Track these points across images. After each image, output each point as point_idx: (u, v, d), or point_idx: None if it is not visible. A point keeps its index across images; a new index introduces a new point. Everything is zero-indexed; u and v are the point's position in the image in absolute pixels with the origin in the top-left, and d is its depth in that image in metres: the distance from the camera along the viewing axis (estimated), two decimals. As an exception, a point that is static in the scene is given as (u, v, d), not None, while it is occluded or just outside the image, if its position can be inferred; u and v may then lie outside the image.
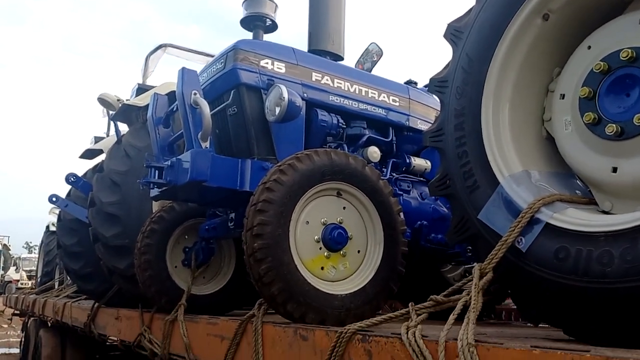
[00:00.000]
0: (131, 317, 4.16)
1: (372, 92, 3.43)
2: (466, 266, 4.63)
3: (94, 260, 4.89)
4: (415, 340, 1.59)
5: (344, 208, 2.58)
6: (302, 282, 2.34)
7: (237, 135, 3.09)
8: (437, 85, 2.15)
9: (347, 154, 2.60)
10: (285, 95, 2.77)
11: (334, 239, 2.47)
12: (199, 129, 2.79)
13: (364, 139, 3.36)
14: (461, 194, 1.97)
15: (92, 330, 5.09)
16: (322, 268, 2.47)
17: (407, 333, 1.65)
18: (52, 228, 11.35)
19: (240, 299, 3.80)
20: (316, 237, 2.47)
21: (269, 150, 3.03)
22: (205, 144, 2.78)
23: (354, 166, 2.57)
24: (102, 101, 4.52)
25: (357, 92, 3.36)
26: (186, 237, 3.68)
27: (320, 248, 2.47)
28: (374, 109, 3.42)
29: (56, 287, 9.68)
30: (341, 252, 2.51)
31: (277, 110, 2.82)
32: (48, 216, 12.27)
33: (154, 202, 3.89)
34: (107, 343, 6.91)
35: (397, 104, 3.54)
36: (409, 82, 3.74)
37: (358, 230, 2.57)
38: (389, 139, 3.50)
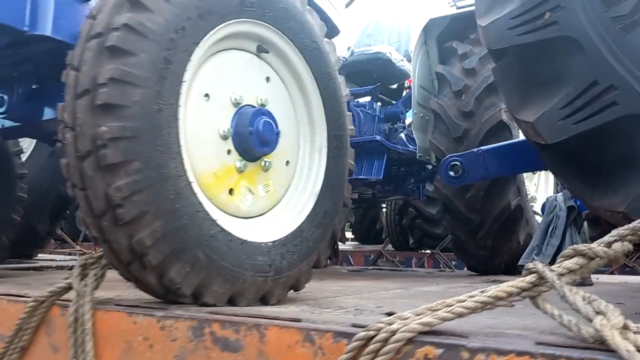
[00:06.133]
0: None
1: None
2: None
3: None
4: None
5: (267, 80, 1.35)
6: (203, 218, 1.09)
7: None
8: None
9: None
10: None
11: (259, 135, 1.24)
12: None
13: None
14: None
15: None
16: (231, 191, 1.23)
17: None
18: None
19: None
20: (223, 128, 1.21)
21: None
22: None
23: (292, 1, 1.35)
24: None
25: None
26: None
27: (229, 152, 1.22)
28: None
29: None
30: (262, 163, 1.30)
31: None
32: None
33: None
34: None
35: None
36: None
37: (287, 125, 1.38)
38: None
